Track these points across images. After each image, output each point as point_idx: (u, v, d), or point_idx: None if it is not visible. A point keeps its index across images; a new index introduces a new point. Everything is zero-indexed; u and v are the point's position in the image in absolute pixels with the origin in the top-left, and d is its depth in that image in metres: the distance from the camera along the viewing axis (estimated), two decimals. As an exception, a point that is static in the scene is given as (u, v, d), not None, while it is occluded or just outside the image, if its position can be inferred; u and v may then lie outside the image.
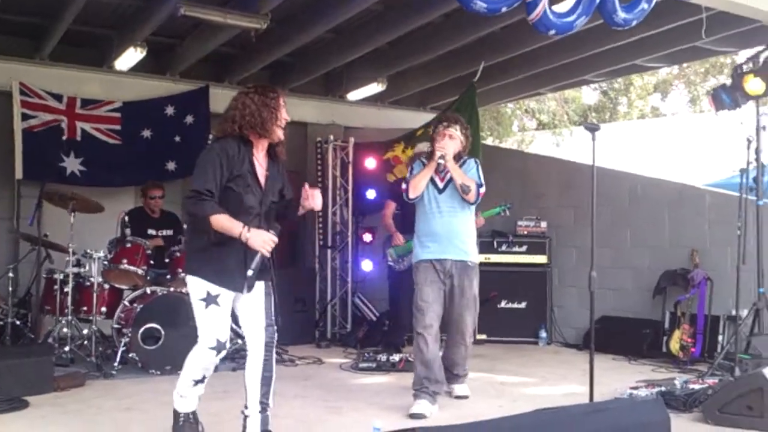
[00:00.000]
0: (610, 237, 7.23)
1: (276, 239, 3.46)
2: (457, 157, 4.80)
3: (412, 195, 4.73)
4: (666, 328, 6.59)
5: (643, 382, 5.07)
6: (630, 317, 7.04)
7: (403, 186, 4.82)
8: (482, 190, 4.78)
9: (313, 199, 3.62)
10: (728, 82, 5.87)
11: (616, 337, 6.71)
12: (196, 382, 3.59)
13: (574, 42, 7.49)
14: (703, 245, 6.65)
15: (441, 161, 4.66)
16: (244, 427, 3.52)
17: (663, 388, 4.67)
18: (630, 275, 7.24)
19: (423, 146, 6.08)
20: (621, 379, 5.35)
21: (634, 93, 18.46)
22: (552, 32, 5.25)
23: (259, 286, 3.57)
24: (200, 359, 3.51)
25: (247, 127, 3.51)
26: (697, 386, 4.66)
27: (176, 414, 3.64)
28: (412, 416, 4.34)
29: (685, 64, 16.98)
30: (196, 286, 3.49)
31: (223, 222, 3.38)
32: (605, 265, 7.02)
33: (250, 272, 3.40)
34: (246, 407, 3.53)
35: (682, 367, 5.99)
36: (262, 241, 3.40)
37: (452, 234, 4.71)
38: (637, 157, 13.24)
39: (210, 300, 3.45)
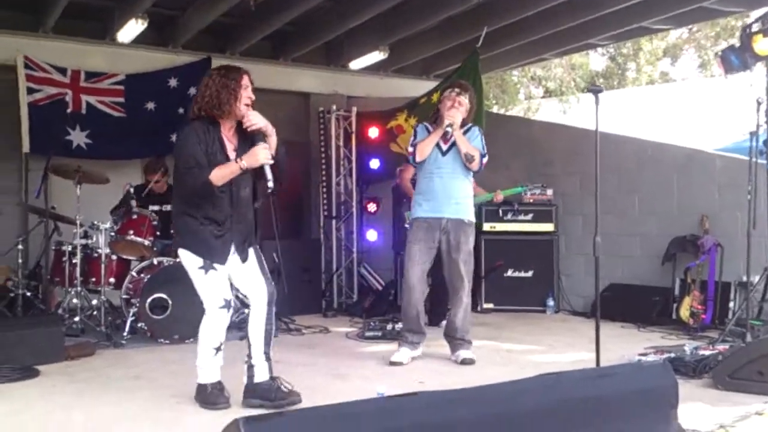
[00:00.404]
0: (618, 203, 7.19)
1: (266, 145, 3.66)
2: (462, 124, 4.92)
3: (418, 158, 4.92)
4: (676, 295, 6.55)
5: (651, 349, 5.07)
6: (639, 284, 7.01)
7: (410, 149, 5.02)
8: (485, 159, 4.99)
9: (249, 119, 3.69)
10: (737, 43, 5.76)
11: (624, 304, 6.69)
12: (216, 350, 3.76)
13: (579, 4, 7.39)
14: (713, 210, 6.58)
15: (449, 129, 4.80)
16: (251, 375, 3.75)
17: (672, 355, 4.64)
18: (638, 242, 7.21)
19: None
20: (629, 346, 5.33)
21: (642, 58, 18.21)
22: None
23: (241, 260, 3.82)
24: (213, 322, 3.72)
25: (207, 108, 3.69)
26: (707, 352, 4.63)
27: (202, 386, 3.79)
28: (392, 363, 4.82)
29: (695, 28, 16.75)
30: (190, 258, 3.72)
31: (221, 173, 3.62)
32: (612, 233, 7.00)
33: (270, 184, 3.67)
34: (251, 357, 3.76)
35: (693, 334, 5.95)
36: (257, 156, 3.63)
37: (449, 194, 4.92)
38: (646, 124, 13.12)
39: (207, 267, 3.69)
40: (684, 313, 6.27)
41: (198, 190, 3.65)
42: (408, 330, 5.01)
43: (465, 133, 4.95)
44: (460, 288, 4.99)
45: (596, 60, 18.43)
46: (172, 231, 5.57)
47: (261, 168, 3.69)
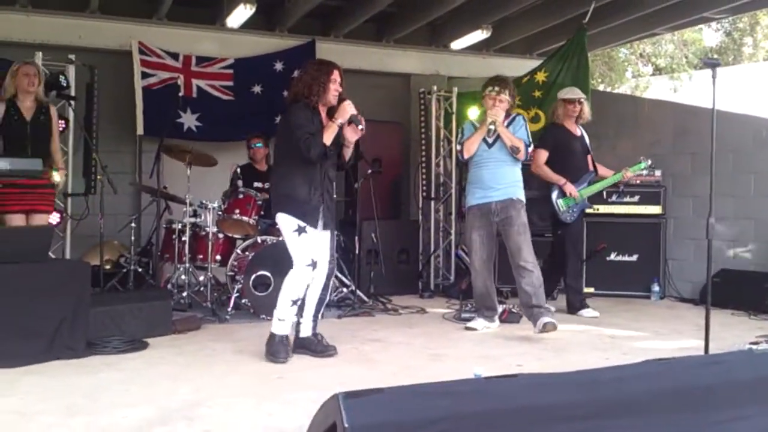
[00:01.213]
0: (732, 185, 6.82)
1: (350, 103, 4.28)
2: (506, 115, 5.34)
3: (466, 156, 5.38)
4: (792, 282, 6.19)
5: (763, 337, 4.83)
6: (752, 270, 6.65)
7: (458, 147, 5.52)
8: (530, 149, 5.42)
9: (344, 112, 4.25)
10: None
11: (736, 291, 6.35)
12: (293, 303, 4.31)
13: (694, -25, 7.01)
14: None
15: (492, 127, 5.23)
16: (298, 331, 4.45)
17: (787, 344, 4.42)
18: (753, 226, 6.82)
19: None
20: (740, 334, 5.09)
21: (760, 33, 17.09)
22: None
23: (322, 228, 4.41)
24: (298, 277, 4.30)
25: (300, 96, 4.32)
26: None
27: (272, 336, 4.33)
28: (467, 329, 5.43)
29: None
30: (286, 222, 4.30)
31: (327, 134, 4.21)
32: (726, 216, 6.68)
33: (360, 122, 4.28)
34: (302, 316, 4.44)
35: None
36: (346, 111, 4.25)
37: (497, 181, 5.30)
38: (763, 102, 12.34)
39: (301, 230, 4.26)
40: (800, 300, 5.90)
41: (313, 155, 4.18)
42: (481, 306, 5.52)
43: (509, 125, 5.32)
44: (527, 258, 5.22)
45: (710, 35, 17.50)
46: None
47: (342, 147, 4.40)
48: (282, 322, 4.31)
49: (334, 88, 4.31)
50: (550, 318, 5.02)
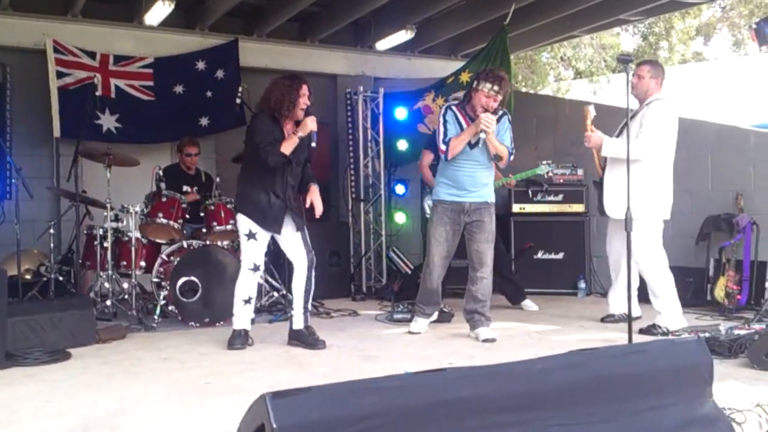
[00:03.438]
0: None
1: (313, 119, 4.63)
2: (494, 112, 4.97)
3: (450, 157, 5.04)
4: (710, 276, 6.42)
5: (686, 330, 4.97)
6: (672, 265, 6.83)
7: (442, 147, 5.06)
8: (512, 157, 5.16)
9: (306, 126, 4.60)
10: (773, 15, 5.58)
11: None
12: (245, 302, 4.78)
13: (609, -23, 7.23)
14: (747, 188, 6.42)
15: (482, 135, 4.94)
16: (291, 323, 4.84)
17: (707, 334, 4.54)
18: (671, 222, 7.03)
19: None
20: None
21: (675, 37, 17.81)
22: None
23: (292, 229, 4.76)
24: (243, 279, 4.76)
25: (271, 108, 4.64)
26: (742, 332, 4.51)
27: (232, 332, 4.78)
28: (411, 333, 5.28)
29: (728, 6, 16.36)
30: (242, 223, 4.74)
31: (287, 144, 4.59)
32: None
33: (314, 139, 4.67)
34: (293, 309, 4.82)
35: (728, 315, 5.85)
36: (307, 127, 4.59)
37: (473, 183, 5.10)
38: (678, 103, 12.85)
39: (251, 235, 4.70)
40: (719, 293, 6.15)
41: (270, 162, 4.56)
42: (423, 302, 5.34)
43: (497, 122, 4.96)
44: (486, 263, 5.11)
45: (627, 40, 18.08)
46: (210, 209, 6.00)
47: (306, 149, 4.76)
48: (237, 317, 4.79)
49: (303, 102, 4.64)
50: (489, 333, 5.01)
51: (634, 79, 5.38)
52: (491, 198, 5.18)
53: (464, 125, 5.04)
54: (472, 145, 5.02)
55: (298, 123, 4.68)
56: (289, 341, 4.83)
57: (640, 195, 4.96)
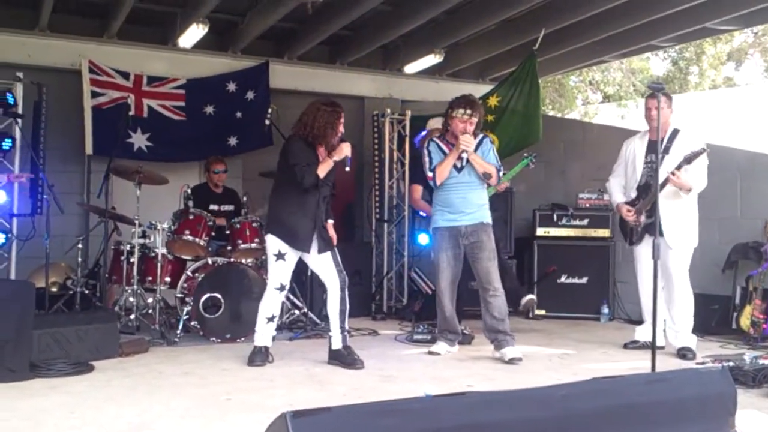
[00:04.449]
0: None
1: (348, 145, 4.84)
2: (474, 135, 5.20)
3: (438, 183, 5.24)
4: (736, 304, 6.32)
5: (710, 358, 4.93)
6: (698, 293, 6.76)
7: (429, 174, 5.28)
8: (501, 172, 5.35)
9: (341, 153, 4.79)
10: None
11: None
12: (268, 320, 4.86)
13: (641, 4, 7.21)
14: (777, 217, 6.34)
15: (464, 156, 5.12)
16: (330, 343, 4.86)
17: (731, 364, 4.48)
18: (698, 249, 6.93)
19: (435, 122, 6.41)
20: (687, 355, 5.17)
21: (705, 62, 17.67)
22: None
23: (322, 249, 4.84)
24: (268, 298, 4.87)
25: (312, 135, 4.76)
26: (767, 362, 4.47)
27: (253, 348, 4.86)
28: (431, 353, 5.31)
29: (760, 32, 16.22)
30: (271, 243, 4.82)
31: (323, 168, 4.75)
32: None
33: (348, 164, 4.87)
34: (330, 331, 4.84)
35: (753, 344, 5.74)
36: (343, 151, 4.78)
37: (466, 204, 5.22)
38: (708, 129, 12.72)
39: (280, 256, 4.79)
40: (744, 322, 6.05)
41: (306, 183, 4.68)
42: (444, 329, 5.43)
43: (478, 146, 5.20)
44: (494, 281, 5.18)
45: (657, 64, 18.01)
46: (236, 227, 6.09)
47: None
48: (259, 334, 4.86)
49: (341, 130, 4.83)
50: (515, 352, 5.03)
51: (654, 111, 5.35)
52: (487, 219, 5.28)
53: (447, 152, 5.25)
54: (459, 169, 5.21)
55: (327, 145, 4.81)
56: (329, 360, 4.86)
57: (691, 223, 5.30)
